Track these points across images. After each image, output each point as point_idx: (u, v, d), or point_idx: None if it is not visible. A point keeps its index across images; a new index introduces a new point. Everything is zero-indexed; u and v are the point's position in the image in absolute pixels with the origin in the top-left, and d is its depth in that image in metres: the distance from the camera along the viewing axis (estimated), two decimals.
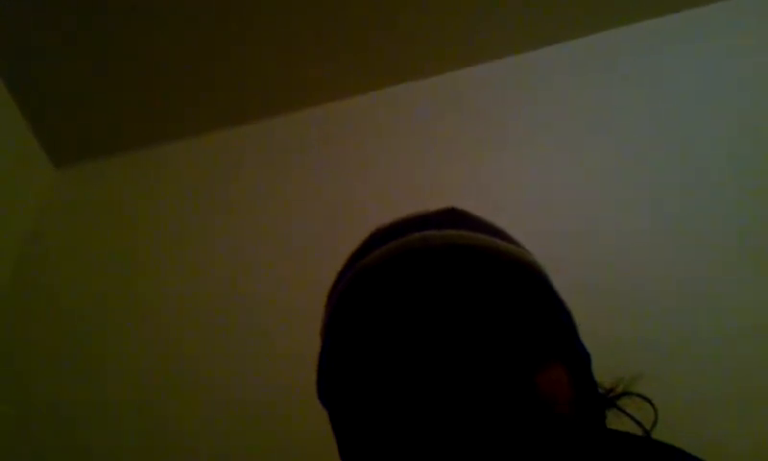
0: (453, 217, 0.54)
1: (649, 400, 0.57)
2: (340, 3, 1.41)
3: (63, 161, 1.69)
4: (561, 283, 0.54)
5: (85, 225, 1.54)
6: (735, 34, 1.28)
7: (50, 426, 1.24)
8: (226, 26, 1.47)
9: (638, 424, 0.56)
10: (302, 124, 1.53)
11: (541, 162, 1.26)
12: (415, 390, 0.43)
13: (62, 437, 1.22)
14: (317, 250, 1.27)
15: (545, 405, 0.44)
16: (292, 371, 1.03)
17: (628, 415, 0.55)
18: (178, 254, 1.41)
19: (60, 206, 1.61)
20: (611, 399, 0.55)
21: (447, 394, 0.42)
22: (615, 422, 0.54)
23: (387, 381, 0.45)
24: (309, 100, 1.54)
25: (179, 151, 1.60)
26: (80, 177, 1.66)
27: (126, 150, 1.65)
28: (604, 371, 0.55)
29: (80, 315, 1.38)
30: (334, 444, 0.52)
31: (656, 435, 0.56)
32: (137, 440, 1.18)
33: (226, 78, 1.54)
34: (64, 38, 1.51)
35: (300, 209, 1.38)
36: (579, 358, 0.51)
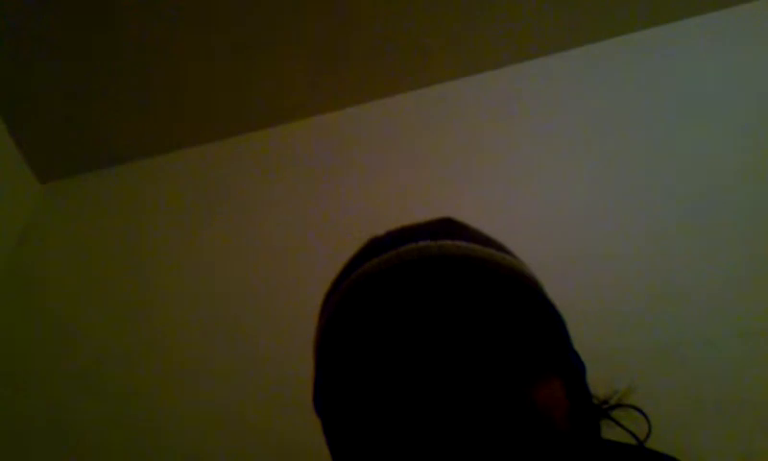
0: (448, 227, 0.54)
1: (642, 412, 0.57)
2: (336, 17, 1.42)
3: (49, 177, 1.68)
4: (553, 294, 0.55)
5: (72, 240, 1.53)
6: (734, 44, 1.30)
7: (45, 432, 1.23)
8: (215, 42, 1.47)
9: (632, 435, 0.56)
10: (297, 135, 1.53)
11: (534, 174, 1.27)
12: (410, 402, 0.43)
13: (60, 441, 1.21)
14: (312, 259, 1.27)
15: (541, 418, 0.44)
16: (288, 379, 1.03)
17: (622, 426, 0.55)
18: (166, 267, 1.40)
19: (45, 221, 1.59)
20: (605, 410, 0.55)
21: (443, 407, 0.42)
22: (609, 433, 0.54)
23: (382, 394, 0.45)
24: (304, 111, 1.55)
25: (165, 164, 1.59)
26: (65, 192, 1.65)
27: (112, 164, 1.64)
28: (598, 383, 0.56)
29: (67, 328, 1.37)
30: (327, 454, 0.51)
31: (649, 446, 0.56)
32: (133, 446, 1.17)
33: (215, 91, 1.54)
34: (50, 54, 1.51)
35: (295, 220, 1.38)
36: (574, 369, 0.51)
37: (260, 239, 1.38)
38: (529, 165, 1.29)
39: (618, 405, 0.56)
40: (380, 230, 0.57)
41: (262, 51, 1.48)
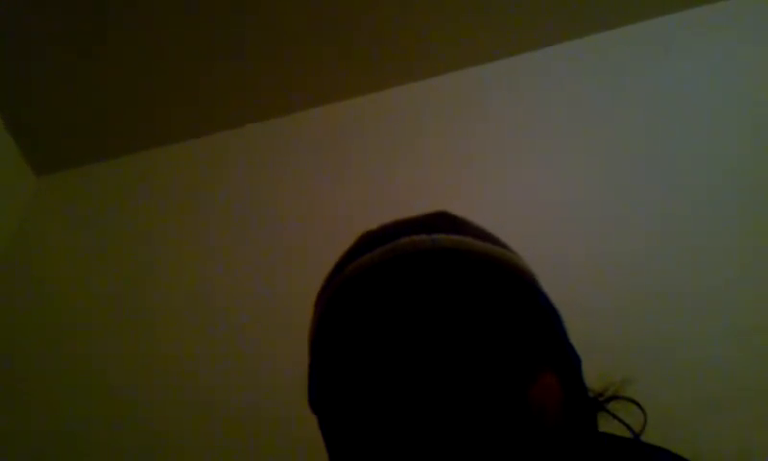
0: (443, 221, 0.54)
1: (638, 404, 0.57)
2: (332, 9, 1.41)
3: (45, 170, 1.67)
4: (549, 288, 0.54)
5: (68, 233, 1.53)
6: (732, 37, 1.29)
7: (43, 430, 1.24)
8: (213, 32, 1.46)
9: (628, 427, 0.56)
10: (295, 128, 1.53)
11: (533, 168, 1.27)
12: (404, 398, 0.43)
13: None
14: (308, 253, 1.27)
15: (536, 414, 0.43)
16: (283, 375, 1.03)
17: (618, 419, 0.55)
18: (163, 260, 1.40)
19: (41, 213, 1.59)
20: (600, 402, 0.55)
21: (437, 403, 0.42)
22: (605, 425, 0.54)
23: (375, 389, 0.45)
24: (301, 104, 1.54)
25: (162, 157, 1.59)
26: (62, 185, 1.64)
27: (109, 157, 1.64)
28: (593, 375, 0.55)
29: (64, 321, 1.38)
30: (324, 450, 0.51)
31: (645, 439, 0.56)
32: (132, 442, 1.18)
33: (211, 84, 1.53)
34: (47, 47, 1.50)
35: (293, 212, 1.38)
36: (569, 362, 0.51)
37: (258, 231, 1.37)
38: (528, 160, 1.28)
39: (614, 397, 0.55)
40: (376, 224, 0.57)
41: (261, 44, 1.47)
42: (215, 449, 1.12)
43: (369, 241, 0.53)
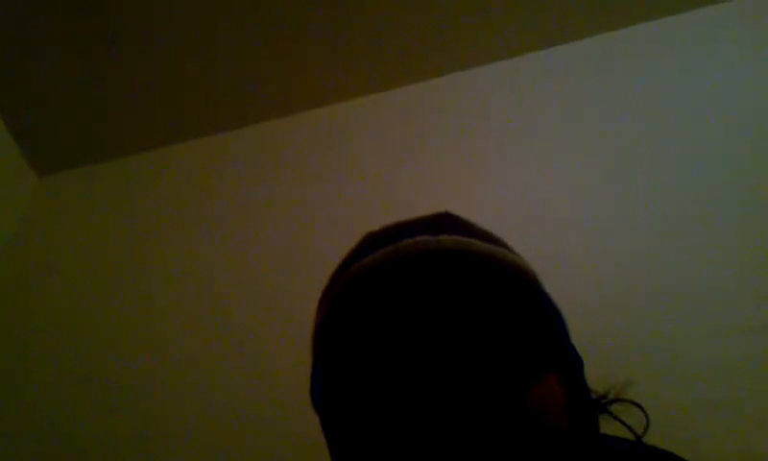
0: (446, 222, 0.54)
1: (640, 406, 0.57)
2: (332, 9, 1.41)
3: (47, 170, 1.67)
4: (551, 289, 0.54)
5: (69, 233, 1.53)
6: (732, 38, 1.29)
7: (43, 430, 1.24)
8: (213, 33, 1.46)
9: (630, 429, 0.56)
10: (295, 129, 1.53)
11: (534, 168, 1.27)
12: (407, 400, 0.43)
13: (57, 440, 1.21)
14: (309, 254, 1.27)
15: (537, 415, 0.43)
16: (284, 376, 1.03)
17: (620, 421, 0.55)
18: (164, 261, 1.40)
19: (43, 214, 1.59)
20: (603, 405, 0.55)
21: (440, 406, 0.42)
22: (608, 428, 0.54)
23: (378, 390, 0.44)
24: (301, 105, 1.54)
25: (164, 158, 1.59)
26: (63, 185, 1.64)
27: (110, 158, 1.64)
28: (595, 377, 0.55)
29: (65, 322, 1.37)
30: (325, 450, 0.51)
31: (648, 441, 0.56)
32: (132, 442, 1.18)
33: (211, 84, 1.53)
34: (45, 48, 1.50)
35: (294, 213, 1.38)
36: (572, 364, 0.51)
37: (259, 233, 1.37)
38: (528, 160, 1.28)
39: (617, 400, 0.55)
40: (377, 225, 0.57)
41: (261, 44, 1.47)
42: (215, 449, 1.12)
43: (372, 242, 0.53)
